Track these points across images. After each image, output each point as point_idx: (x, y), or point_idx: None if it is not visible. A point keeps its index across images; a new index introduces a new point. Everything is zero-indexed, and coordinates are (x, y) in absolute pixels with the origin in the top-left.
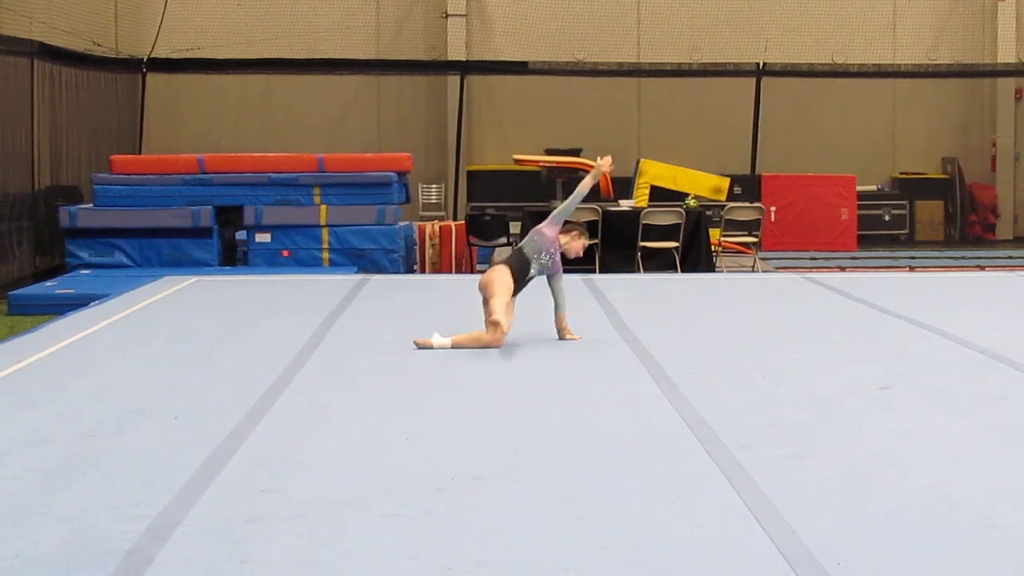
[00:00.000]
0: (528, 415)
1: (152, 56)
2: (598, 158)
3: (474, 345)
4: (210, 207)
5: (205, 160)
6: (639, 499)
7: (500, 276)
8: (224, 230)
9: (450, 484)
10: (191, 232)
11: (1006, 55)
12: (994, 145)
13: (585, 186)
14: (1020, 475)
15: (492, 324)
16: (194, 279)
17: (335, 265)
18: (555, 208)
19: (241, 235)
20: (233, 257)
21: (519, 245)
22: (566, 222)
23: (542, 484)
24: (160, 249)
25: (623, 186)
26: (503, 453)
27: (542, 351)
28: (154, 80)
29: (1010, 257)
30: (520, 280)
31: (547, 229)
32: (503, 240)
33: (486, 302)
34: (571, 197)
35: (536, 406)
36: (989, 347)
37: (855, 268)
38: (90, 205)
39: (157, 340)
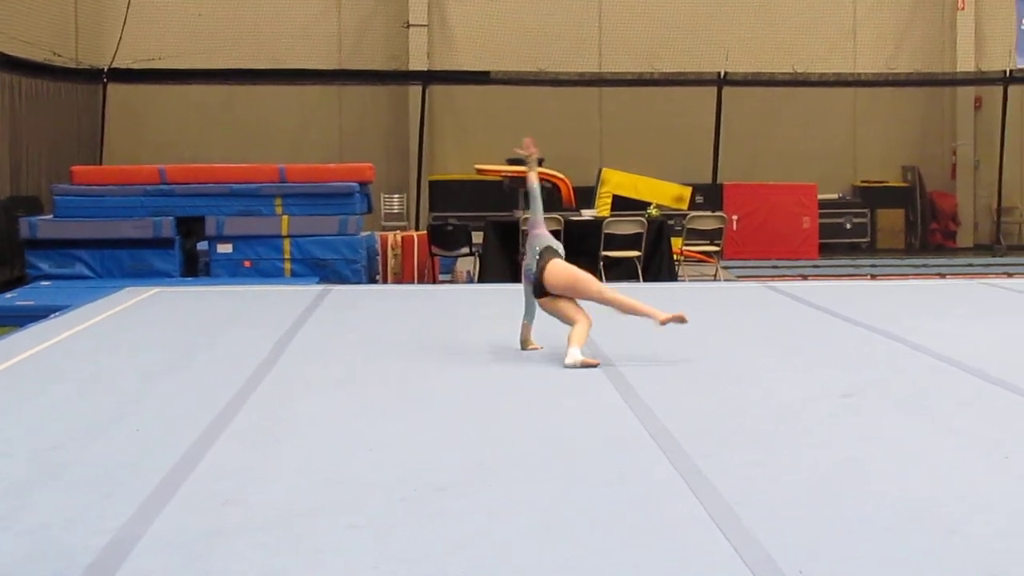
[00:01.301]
0: (491, 425)
1: (113, 66)
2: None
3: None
4: (171, 218)
5: (166, 171)
6: (603, 508)
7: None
8: (186, 241)
9: (413, 495)
10: (152, 243)
11: (965, 64)
12: (954, 153)
13: (532, 180)
14: (983, 481)
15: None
16: (156, 290)
17: (297, 275)
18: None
19: (203, 246)
20: (195, 268)
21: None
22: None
23: (505, 494)
24: (121, 260)
25: (585, 196)
26: (466, 463)
27: (505, 361)
28: (115, 90)
29: (970, 265)
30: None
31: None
32: (465, 250)
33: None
34: (530, 197)
35: (499, 416)
36: (950, 354)
37: (817, 276)
38: (50, 216)
39: (119, 352)
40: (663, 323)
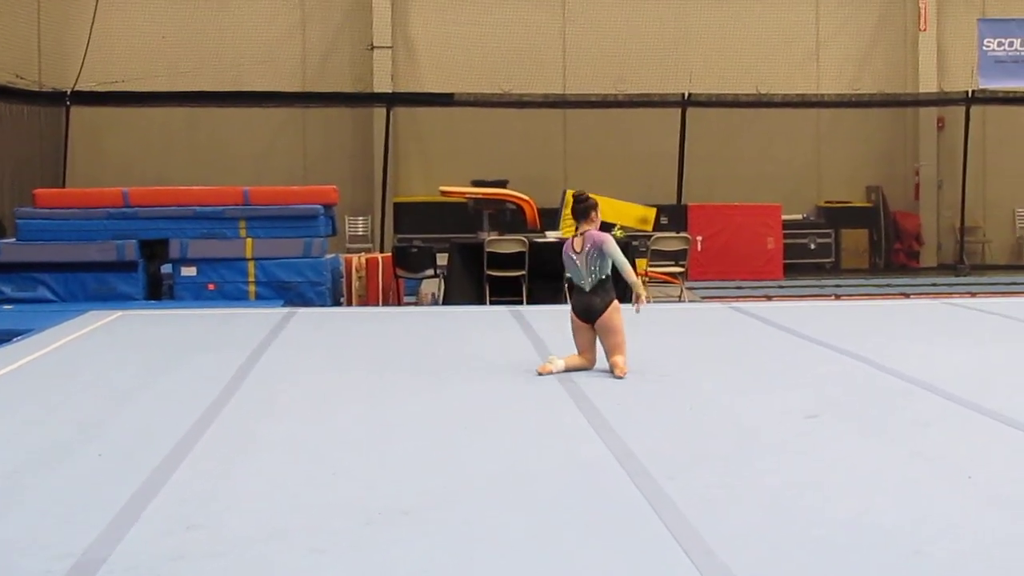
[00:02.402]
0: (456, 448)
1: (76, 89)
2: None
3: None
4: (135, 241)
5: (130, 193)
6: (567, 531)
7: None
8: (149, 264)
9: (378, 518)
10: (116, 266)
11: (927, 84)
12: (917, 173)
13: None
14: (946, 502)
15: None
16: (119, 313)
17: (261, 298)
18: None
19: (166, 268)
20: (158, 291)
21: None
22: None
23: (470, 518)
24: (85, 283)
25: (550, 217)
26: (431, 487)
27: (470, 384)
28: (78, 113)
29: (934, 284)
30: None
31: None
32: (430, 272)
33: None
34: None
35: (464, 439)
36: (914, 374)
37: (781, 297)
38: (13, 239)
39: (82, 375)
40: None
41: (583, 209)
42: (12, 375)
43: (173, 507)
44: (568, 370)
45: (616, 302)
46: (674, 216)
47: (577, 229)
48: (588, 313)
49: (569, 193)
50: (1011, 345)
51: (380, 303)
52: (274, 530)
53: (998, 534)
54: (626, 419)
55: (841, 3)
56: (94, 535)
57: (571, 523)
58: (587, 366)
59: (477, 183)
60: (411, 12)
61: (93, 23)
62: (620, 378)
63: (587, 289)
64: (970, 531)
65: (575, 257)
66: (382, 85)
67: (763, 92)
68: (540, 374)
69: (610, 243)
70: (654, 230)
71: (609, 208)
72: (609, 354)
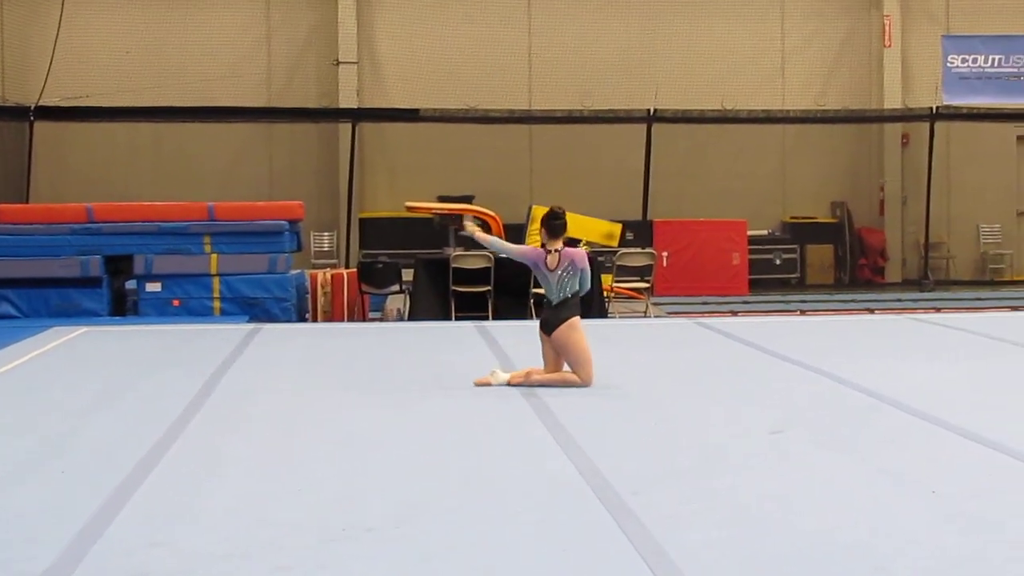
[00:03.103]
0: (421, 465)
1: (40, 104)
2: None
3: (561, 383)
4: (99, 256)
5: (94, 209)
6: (532, 547)
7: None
8: (114, 279)
9: (342, 535)
10: (80, 282)
11: (892, 100)
12: (882, 189)
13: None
14: (911, 517)
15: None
16: (83, 329)
17: (226, 314)
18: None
19: (131, 284)
20: (123, 307)
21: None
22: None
23: (434, 535)
24: (48, 299)
25: (516, 233)
26: (395, 504)
27: (435, 400)
28: (42, 128)
29: (899, 300)
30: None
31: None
32: (395, 288)
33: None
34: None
35: (429, 455)
36: (878, 390)
37: (746, 312)
38: None
39: (45, 392)
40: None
41: (560, 226)
42: None
43: (136, 524)
44: (512, 384)
45: (574, 319)
46: (640, 232)
47: (547, 244)
48: (546, 326)
49: (536, 209)
50: (975, 361)
51: (345, 319)
52: (239, 547)
53: (962, 549)
54: (591, 435)
55: (806, 19)
56: (57, 552)
57: (536, 539)
58: (557, 381)
59: (443, 199)
60: (377, 28)
61: (57, 38)
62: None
63: (553, 304)
64: (934, 546)
65: (548, 274)
66: (348, 101)
67: (728, 108)
68: (476, 385)
69: (586, 262)
70: (620, 246)
71: (575, 224)
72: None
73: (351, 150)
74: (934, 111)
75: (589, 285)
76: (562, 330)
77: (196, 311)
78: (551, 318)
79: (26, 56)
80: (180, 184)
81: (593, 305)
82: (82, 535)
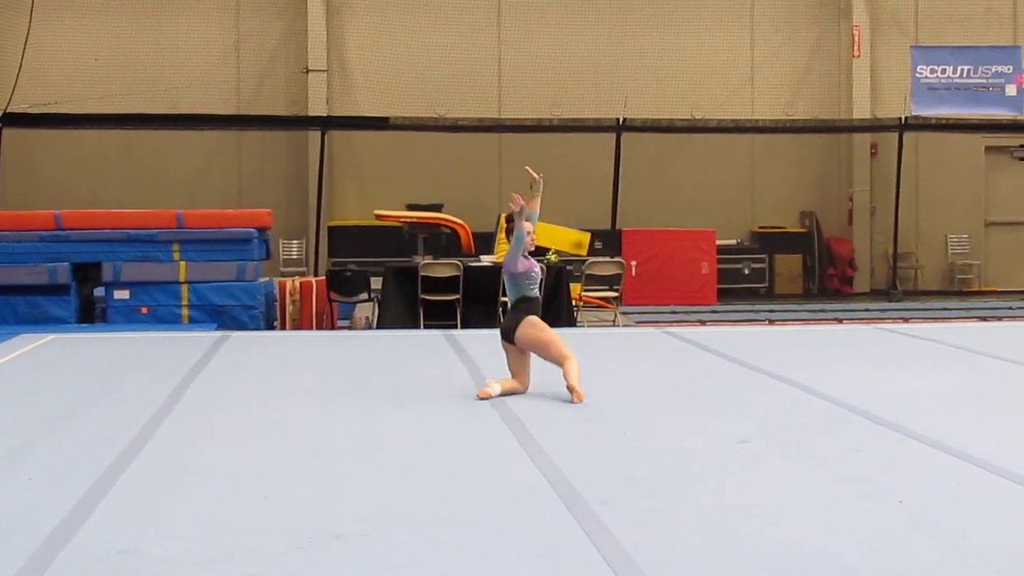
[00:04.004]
0: (389, 472)
1: (8, 111)
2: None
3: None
4: (67, 264)
5: (62, 216)
6: (500, 556)
7: (538, 329)
8: (82, 287)
9: (309, 543)
10: (48, 289)
11: (861, 111)
12: (851, 199)
13: (519, 228)
14: (878, 526)
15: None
16: (51, 337)
17: (195, 322)
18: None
19: (99, 292)
20: (91, 314)
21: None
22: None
23: (402, 542)
24: (16, 306)
25: (484, 241)
26: (364, 511)
27: (404, 408)
28: (10, 135)
29: (867, 310)
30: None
31: (516, 267)
32: (364, 296)
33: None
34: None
35: (398, 463)
36: (846, 399)
37: (715, 322)
38: None
39: (12, 400)
40: (574, 394)
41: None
42: None
43: (105, 531)
44: (504, 394)
45: (529, 318)
46: (608, 241)
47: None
48: (503, 333)
49: (504, 217)
50: (943, 371)
51: (314, 327)
52: (207, 554)
53: (929, 559)
54: (559, 444)
55: (775, 29)
56: (23, 560)
57: (504, 548)
58: (520, 389)
59: (412, 207)
60: (346, 36)
61: (26, 45)
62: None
63: (509, 308)
64: (902, 556)
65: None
66: (317, 108)
67: (698, 117)
68: (480, 399)
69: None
70: (588, 255)
71: (543, 233)
72: (564, 373)
73: (320, 158)
74: (903, 121)
75: (522, 293)
76: (521, 329)
77: (164, 318)
78: (506, 323)
79: None
80: (149, 191)
81: (562, 314)
82: (49, 542)
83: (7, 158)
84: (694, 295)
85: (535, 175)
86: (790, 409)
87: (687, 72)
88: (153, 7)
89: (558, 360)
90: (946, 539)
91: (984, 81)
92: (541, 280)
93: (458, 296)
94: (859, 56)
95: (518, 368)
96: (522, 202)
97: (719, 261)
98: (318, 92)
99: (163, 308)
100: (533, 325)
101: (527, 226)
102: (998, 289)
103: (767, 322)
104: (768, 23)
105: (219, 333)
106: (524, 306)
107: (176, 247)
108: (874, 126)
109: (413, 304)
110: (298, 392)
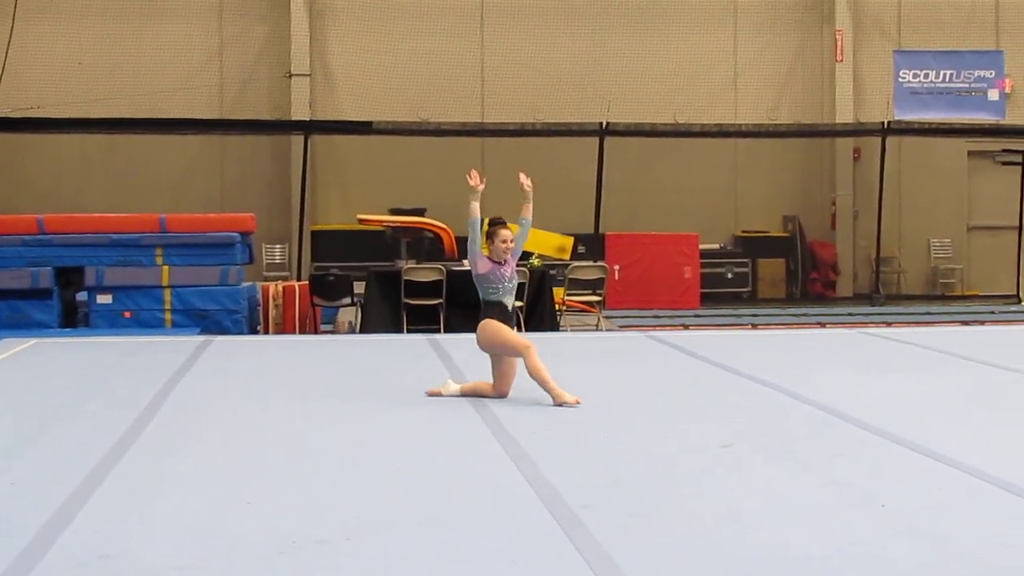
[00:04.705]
0: (371, 477)
1: None
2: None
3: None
4: (50, 268)
5: (45, 220)
6: (481, 560)
7: (489, 330)
8: (65, 291)
9: (292, 548)
10: (31, 294)
11: (844, 115)
12: (834, 203)
13: (473, 211)
14: (861, 531)
15: (525, 347)
16: (34, 341)
17: (178, 326)
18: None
19: (82, 296)
20: (74, 319)
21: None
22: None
23: (385, 547)
24: None
25: (467, 246)
26: (346, 516)
27: (387, 412)
28: None
29: (850, 314)
30: (508, 319)
31: (476, 267)
32: (347, 300)
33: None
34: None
35: (380, 467)
36: (829, 404)
37: (698, 326)
38: None
39: None
40: (558, 403)
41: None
42: None
43: (86, 536)
44: (466, 394)
45: (487, 320)
46: (592, 245)
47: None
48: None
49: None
50: (925, 374)
51: (297, 331)
52: (189, 559)
53: (912, 563)
54: (542, 448)
55: (758, 34)
56: (5, 565)
57: (486, 551)
58: (489, 392)
59: (395, 211)
60: (329, 40)
61: (8, 49)
62: (572, 405)
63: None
64: (884, 560)
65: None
66: (300, 113)
67: (681, 122)
68: (428, 395)
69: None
70: (572, 259)
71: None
72: (538, 380)
73: (303, 162)
74: (886, 126)
75: (484, 297)
76: (479, 331)
77: (147, 323)
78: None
79: None
80: (132, 196)
81: (545, 318)
82: (31, 547)
83: None
84: (677, 299)
85: (527, 185)
86: (773, 413)
87: (670, 76)
88: (136, 11)
89: (518, 350)
90: (929, 543)
91: (967, 85)
92: (517, 286)
93: (441, 300)
94: (842, 60)
95: (499, 373)
96: (476, 180)
97: (702, 265)
98: (301, 96)
99: (146, 312)
100: (484, 328)
101: (507, 233)
102: (980, 293)
103: (750, 326)
104: (751, 27)
105: (202, 337)
106: (485, 311)
107: (159, 251)
108: (857, 130)
109: (396, 308)
110: (281, 397)
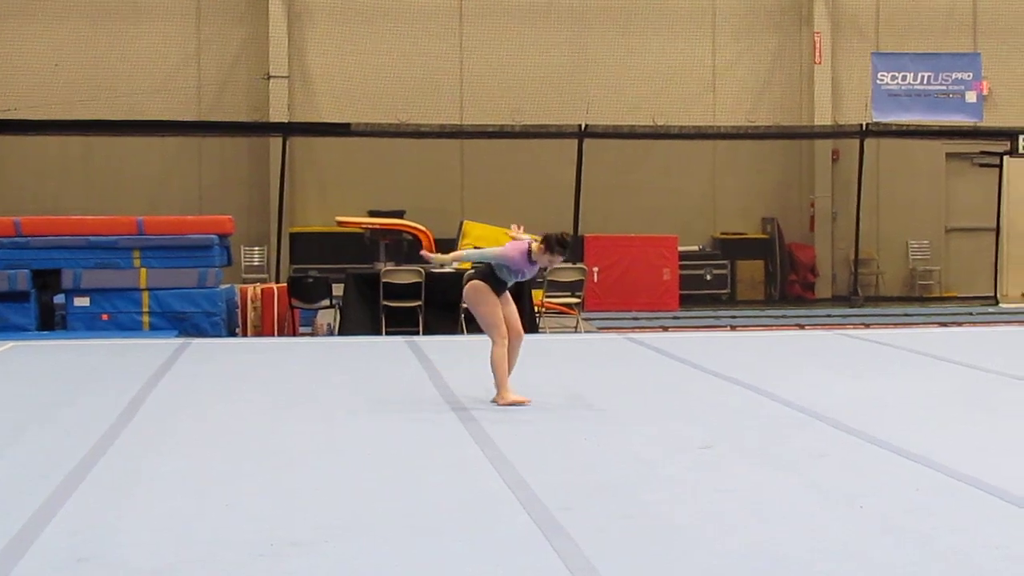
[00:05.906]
0: (350, 480)
1: None
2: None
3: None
4: (27, 270)
5: (22, 223)
6: (460, 563)
7: (480, 300)
8: (42, 294)
9: (270, 550)
10: (8, 296)
11: (823, 117)
12: (812, 205)
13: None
14: (840, 531)
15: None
16: (11, 344)
17: (156, 329)
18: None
19: (59, 299)
20: (51, 321)
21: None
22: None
23: (362, 550)
24: None
25: (446, 248)
26: (324, 519)
27: (365, 416)
28: None
29: (828, 316)
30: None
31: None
32: (326, 302)
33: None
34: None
35: (358, 471)
36: (808, 405)
37: (677, 328)
38: None
39: None
40: (500, 403)
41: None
42: None
43: (63, 539)
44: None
45: (481, 284)
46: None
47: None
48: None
49: (467, 224)
50: (903, 376)
51: (275, 334)
52: (166, 562)
53: (890, 563)
54: (521, 450)
55: (737, 36)
56: None
57: (465, 555)
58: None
59: (374, 213)
60: (308, 42)
61: None
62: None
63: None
64: (863, 559)
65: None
66: (278, 115)
67: (659, 123)
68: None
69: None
70: None
71: (506, 239)
72: (494, 375)
73: (281, 164)
74: (864, 128)
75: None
76: (466, 290)
77: (125, 325)
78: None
79: None
80: (110, 198)
81: (524, 320)
82: (8, 549)
83: None
84: (656, 301)
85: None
86: (752, 415)
87: (649, 78)
88: (113, 13)
89: (489, 332)
90: (906, 544)
91: (944, 88)
92: (519, 282)
93: (420, 303)
94: (820, 63)
95: (503, 317)
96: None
97: (681, 267)
98: (279, 98)
99: (124, 315)
100: (477, 291)
101: (558, 261)
102: (958, 295)
103: (729, 328)
104: (729, 29)
105: (180, 340)
106: (483, 271)
107: (137, 254)
108: (835, 132)
109: (375, 310)
110: (260, 399)
